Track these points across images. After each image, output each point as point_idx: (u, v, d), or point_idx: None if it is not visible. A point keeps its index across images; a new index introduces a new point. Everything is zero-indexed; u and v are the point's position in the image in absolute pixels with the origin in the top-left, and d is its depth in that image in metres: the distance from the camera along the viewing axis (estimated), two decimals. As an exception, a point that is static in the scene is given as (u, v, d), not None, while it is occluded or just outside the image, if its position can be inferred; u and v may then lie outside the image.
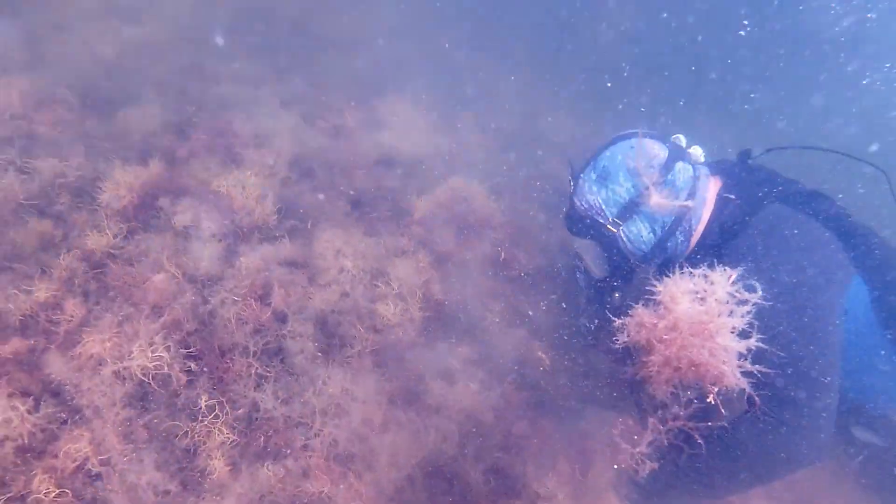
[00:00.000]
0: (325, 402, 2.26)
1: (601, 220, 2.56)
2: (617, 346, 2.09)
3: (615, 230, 2.54)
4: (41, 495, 1.73)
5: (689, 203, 2.45)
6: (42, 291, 2.26)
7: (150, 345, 2.13)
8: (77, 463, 1.82)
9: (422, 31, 6.77)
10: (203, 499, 1.89)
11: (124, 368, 2.07)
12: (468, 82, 5.99)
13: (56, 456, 1.82)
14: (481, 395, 2.53)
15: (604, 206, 2.54)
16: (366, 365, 2.52)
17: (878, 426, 2.51)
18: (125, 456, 1.84)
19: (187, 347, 2.25)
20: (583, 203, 2.60)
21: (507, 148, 4.93)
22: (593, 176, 2.56)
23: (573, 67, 7.36)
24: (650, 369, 2.03)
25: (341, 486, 2.04)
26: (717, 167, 2.66)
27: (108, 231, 2.62)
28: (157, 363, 2.10)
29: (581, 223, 2.63)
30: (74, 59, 3.88)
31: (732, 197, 2.47)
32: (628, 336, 2.06)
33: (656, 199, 2.42)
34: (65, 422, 1.94)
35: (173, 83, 4.15)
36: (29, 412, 1.85)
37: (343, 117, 4.54)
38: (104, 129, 3.41)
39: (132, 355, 2.09)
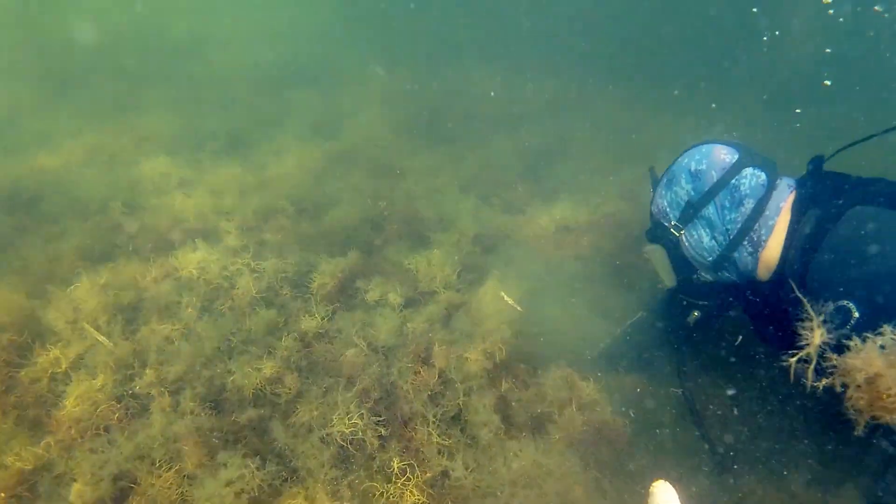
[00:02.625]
0: (515, 474, 2.28)
1: (666, 224, 2.55)
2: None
3: (677, 234, 2.51)
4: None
5: None
6: (268, 369, 2.68)
7: (347, 413, 2.38)
8: (295, 516, 2.08)
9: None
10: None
11: (328, 434, 2.34)
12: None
13: (279, 509, 2.10)
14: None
15: (668, 209, 2.53)
16: (557, 439, 2.50)
17: None
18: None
19: (377, 415, 2.47)
20: (654, 209, 2.62)
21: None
22: (664, 181, 2.57)
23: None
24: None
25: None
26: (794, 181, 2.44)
27: (317, 314, 3.05)
28: (353, 429, 2.34)
29: (654, 230, 2.64)
30: (290, 175, 4.69)
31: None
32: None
33: None
34: (285, 479, 2.24)
35: (368, 183, 4.78)
36: (258, 469, 2.18)
37: (514, 192, 4.76)
38: (314, 229, 4.03)
39: (332, 423, 2.35)
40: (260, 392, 2.63)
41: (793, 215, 2.30)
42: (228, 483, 2.16)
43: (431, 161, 5.28)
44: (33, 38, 8.83)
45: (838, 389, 1.78)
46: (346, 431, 2.27)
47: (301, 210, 4.25)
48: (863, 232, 2.04)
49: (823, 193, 2.27)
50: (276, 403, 2.56)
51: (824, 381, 1.79)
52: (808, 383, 1.80)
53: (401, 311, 3.02)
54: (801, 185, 2.39)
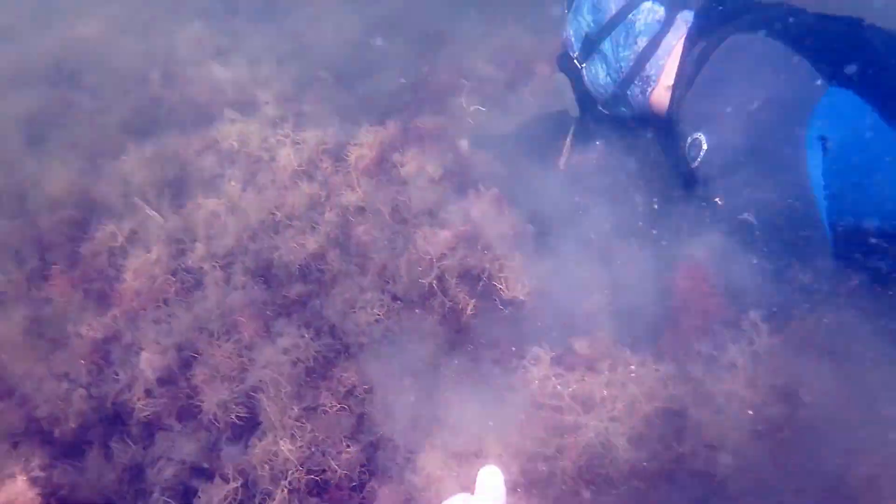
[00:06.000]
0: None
1: (571, 55, 2.48)
2: None
3: (580, 66, 2.44)
4: (327, 408, 2.12)
5: None
6: (311, 244, 2.68)
7: (369, 303, 2.37)
8: (347, 388, 2.17)
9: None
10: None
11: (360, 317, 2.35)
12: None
13: (333, 380, 2.20)
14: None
15: (572, 40, 2.45)
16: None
17: None
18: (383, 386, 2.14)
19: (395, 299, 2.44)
20: (564, 35, 2.54)
21: None
22: (574, 6, 2.45)
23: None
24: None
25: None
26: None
27: (358, 188, 2.98)
28: (377, 318, 2.34)
29: (563, 57, 2.57)
30: (328, 43, 4.42)
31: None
32: None
33: None
34: (339, 353, 2.32)
35: (411, 48, 4.47)
36: (312, 339, 2.27)
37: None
38: (354, 98, 3.86)
39: (354, 311, 2.36)
40: (305, 268, 2.66)
41: (684, 50, 2.23)
42: (286, 351, 2.25)
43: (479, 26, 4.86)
44: None
45: None
46: (372, 321, 2.29)
47: (340, 79, 4.06)
48: (728, 62, 2.00)
49: (714, 23, 2.17)
50: (321, 280, 2.60)
51: None
52: None
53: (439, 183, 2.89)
54: (697, 15, 2.28)
